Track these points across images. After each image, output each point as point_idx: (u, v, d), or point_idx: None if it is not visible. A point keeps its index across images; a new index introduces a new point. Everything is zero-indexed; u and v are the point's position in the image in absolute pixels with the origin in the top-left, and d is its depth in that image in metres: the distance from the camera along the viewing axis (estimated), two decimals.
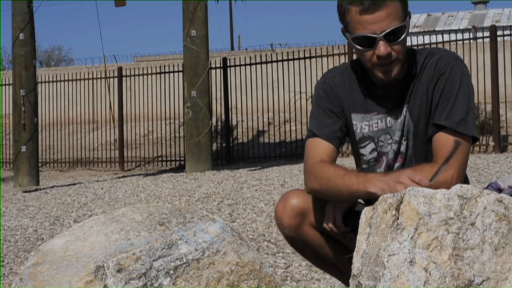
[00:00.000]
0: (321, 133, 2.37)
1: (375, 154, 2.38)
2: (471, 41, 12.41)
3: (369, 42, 2.21)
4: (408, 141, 2.32)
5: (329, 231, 2.26)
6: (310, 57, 12.60)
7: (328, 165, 2.28)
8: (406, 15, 2.23)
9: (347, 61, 9.60)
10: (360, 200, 2.38)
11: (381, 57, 2.21)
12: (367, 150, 2.39)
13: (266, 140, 14.24)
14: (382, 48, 2.19)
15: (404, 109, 2.31)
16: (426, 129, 2.29)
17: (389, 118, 2.34)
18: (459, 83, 2.24)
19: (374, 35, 2.19)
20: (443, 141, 2.20)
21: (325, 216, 2.25)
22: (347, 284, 2.56)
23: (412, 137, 2.31)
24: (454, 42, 12.11)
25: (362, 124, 2.38)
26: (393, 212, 1.78)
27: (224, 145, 13.19)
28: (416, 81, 2.30)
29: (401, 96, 2.32)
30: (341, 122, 2.40)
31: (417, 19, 28.92)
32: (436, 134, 2.23)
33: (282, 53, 13.32)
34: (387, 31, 2.18)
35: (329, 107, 2.40)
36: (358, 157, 2.44)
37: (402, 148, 2.34)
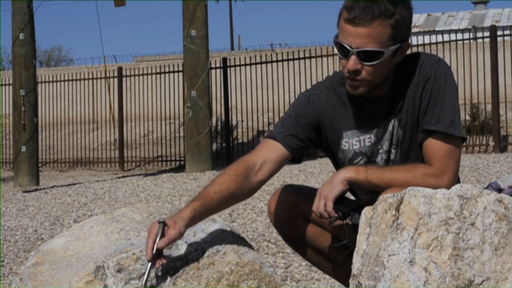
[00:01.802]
0: (278, 135, 2.35)
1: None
2: (471, 41, 12.41)
3: (344, 52, 2.21)
4: (397, 148, 2.33)
5: (317, 216, 2.25)
6: (310, 57, 12.61)
7: (238, 162, 2.29)
8: (396, 41, 2.18)
9: None
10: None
11: (348, 71, 2.21)
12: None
13: None
14: (351, 63, 2.18)
15: (393, 120, 2.31)
16: (411, 135, 2.29)
17: (379, 131, 2.34)
18: (444, 85, 2.23)
19: (348, 48, 2.18)
20: (436, 146, 2.20)
21: (315, 201, 2.22)
22: (342, 280, 2.57)
23: (400, 144, 2.32)
24: (454, 42, 12.12)
25: (353, 140, 2.37)
26: (393, 212, 1.78)
27: (224, 145, 13.20)
28: (402, 91, 2.30)
29: (390, 107, 2.32)
30: (307, 133, 2.37)
31: (417, 19, 28.91)
32: (427, 139, 2.22)
33: (282, 53, 13.33)
34: (361, 50, 2.17)
35: (303, 123, 2.37)
36: None
37: (392, 156, 2.34)
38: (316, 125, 2.40)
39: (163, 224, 2.00)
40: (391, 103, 2.31)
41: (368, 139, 2.35)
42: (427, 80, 2.24)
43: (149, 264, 1.99)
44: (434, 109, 2.22)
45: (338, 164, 2.45)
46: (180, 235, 2.03)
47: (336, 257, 2.44)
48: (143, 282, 1.99)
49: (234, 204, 2.29)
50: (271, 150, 2.34)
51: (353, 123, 2.36)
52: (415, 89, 2.27)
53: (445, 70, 2.26)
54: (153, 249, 1.98)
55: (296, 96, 2.49)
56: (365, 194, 2.38)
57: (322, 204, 2.19)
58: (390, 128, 2.32)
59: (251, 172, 2.27)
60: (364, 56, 2.17)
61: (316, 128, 2.40)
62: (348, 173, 2.20)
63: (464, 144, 11.17)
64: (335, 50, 2.29)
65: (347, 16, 2.17)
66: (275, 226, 2.51)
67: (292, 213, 2.44)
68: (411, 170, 2.18)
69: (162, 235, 1.99)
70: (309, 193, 2.41)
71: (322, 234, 2.48)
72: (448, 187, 2.09)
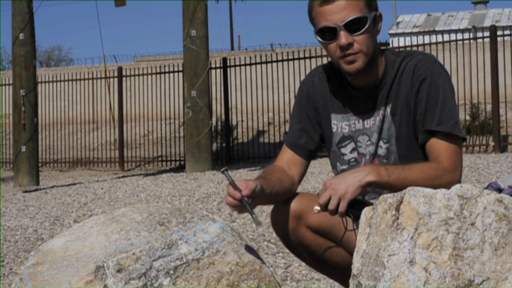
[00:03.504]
0: (287, 139, 2.50)
1: (355, 153, 2.39)
2: (471, 41, 12.42)
3: (331, 34, 2.24)
4: (390, 145, 2.32)
5: (322, 209, 2.21)
6: (310, 57, 12.60)
7: (269, 167, 2.46)
8: (371, 10, 2.25)
9: None
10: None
11: (343, 47, 2.23)
12: (347, 150, 2.40)
13: (266, 140, 14.24)
14: (343, 38, 2.22)
15: (382, 112, 2.33)
16: (408, 135, 2.30)
17: (366, 120, 2.35)
18: (442, 87, 2.26)
19: (335, 26, 2.22)
20: (443, 145, 2.22)
21: (323, 193, 2.17)
22: (344, 284, 2.56)
23: (396, 142, 2.31)
24: (454, 42, 12.12)
25: (342, 124, 2.40)
26: (393, 212, 1.78)
27: (224, 145, 13.20)
28: (394, 85, 2.31)
29: (378, 98, 2.34)
30: (312, 127, 2.46)
31: (417, 19, 28.89)
32: (431, 139, 2.24)
33: (282, 53, 13.33)
34: (347, 20, 2.21)
35: (305, 110, 2.47)
36: (336, 158, 2.44)
37: (381, 151, 2.34)
38: (315, 109, 2.46)
39: (225, 171, 2.15)
40: (381, 94, 2.33)
41: (353, 124, 2.38)
42: (423, 81, 2.26)
43: (244, 200, 2.13)
44: (434, 110, 2.23)
45: (330, 154, 2.46)
46: (257, 187, 2.16)
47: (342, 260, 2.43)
48: (253, 215, 2.13)
49: (281, 197, 2.39)
50: (288, 160, 2.47)
51: (341, 107, 2.40)
52: (409, 89, 2.28)
53: (441, 71, 2.28)
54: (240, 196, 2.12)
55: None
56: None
57: (336, 203, 2.15)
58: (379, 120, 2.33)
59: (284, 172, 2.43)
60: (352, 26, 2.22)
61: (317, 112, 2.47)
62: (371, 177, 2.15)
63: (464, 144, 11.17)
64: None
65: (320, 1, 2.23)
66: (278, 235, 2.49)
67: (296, 223, 2.41)
68: (427, 171, 2.18)
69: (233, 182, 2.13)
70: (313, 202, 2.39)
71: (326, 245, 2.47)
72: (458, 181, 2.13)
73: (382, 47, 2.42)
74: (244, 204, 2.12)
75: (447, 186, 2.05)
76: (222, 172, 2.15)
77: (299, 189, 2.54)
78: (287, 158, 2.46)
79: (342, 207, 2.14)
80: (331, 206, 2.15)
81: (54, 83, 15.28)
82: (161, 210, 2.29)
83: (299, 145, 2.46)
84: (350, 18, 2.21)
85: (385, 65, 2.34)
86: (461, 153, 2.25)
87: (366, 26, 2.22)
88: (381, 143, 2.34)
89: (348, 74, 2.33)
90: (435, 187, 2.08)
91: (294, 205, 2.41)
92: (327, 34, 2.25)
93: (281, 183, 2.33)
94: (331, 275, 2.62)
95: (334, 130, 2.42)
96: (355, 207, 2.16)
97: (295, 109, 2.51)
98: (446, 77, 2.28)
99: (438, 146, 2.23)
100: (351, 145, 2.39)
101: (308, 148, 2.46)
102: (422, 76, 2.26)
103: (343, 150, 2.41)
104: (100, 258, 2.02)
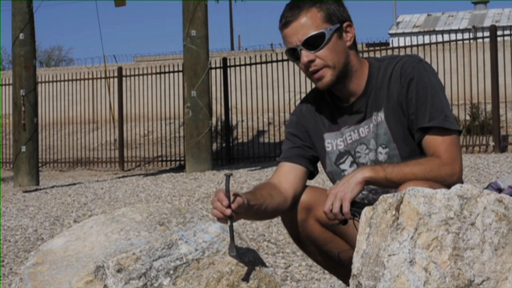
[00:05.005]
0: (283, 157, 2.47)
1: (355, 166, 2.40)
2: (471, 41, 12.42)
3: (295, 55, 2.32)
4: (390, 150, 2.33)
5: (330, 217, 2.21)
6: None
7: (260, 183, 2.45)
8: (333, 23, 2.29)
9: None
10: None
11: (304, 66, 2.30)
12: (346, 165, 2.41)
13: (266, 140, 14.24)
14: (304, 57, 2.29)
15: (374, 118, 2.34)
16: (407, 137, 2.31)
17: (361, 129, 2.37)
18: (429, 84, 2.28)
19: (295, 47, 2.30)
20: (438, 139, 2.24)
21: (327, 201, 2.18)
22: (347, 282, 2.56)
23: (396, 146, 2.33)
24: (454, 42, 12.12)
25: (337, 141, 2.41)
26: (393, 212, 1.78)
27: (224, 145, 13.20)
28: (383, 89, 2.33)
29: (368, 105, 2.35)
30: (306, 146, 2.46)
31: (417, 19, 28.88)
32: (425, 137, 2.26)
33: (282, 53, 13.29)
34: (304, 39, 2.27)
35: (296, 134, 2.49)
36: (335, 177, 2.44)
37: (381, 157, 2.34)
38: (307, 132, 2.47)
39: (228, 176, 2.09)
40: (370, 101, 2.35)
41: (349, 137, 2.40)
42: (410, 81, 2.28)
43: (229, 221, 2.06)
44: (424, 107, 2.26)
45: (327, 173, 2.47)
46: (244, 203, 2.10)
47: (346, 258, 2.43)
48: (231, 237, 2.07)
49: (270, 213, 2.36)
50: (284, 173, 2.44)
51: (333, 124, 2.42)
52: (399, 91, 2.30)
53: (427, 69, 2.31)
54: (228, 205, 2.04)
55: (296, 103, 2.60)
56: None
57: (338, 205, 2.16)
58: (372, 126, 2.34)
59: (276, 187, 2.38)
60: (310, 44, 2.27)
61: (309, 135, 2.48)
62: (366, 173, 2.17)
63: (464, 144, 11.19)
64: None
65: (281, 25, 2.32)
66: (286, 226, 2.51)
67: (305, 215, 2.43)
68: (424, 163, 2.19)
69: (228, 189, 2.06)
70: (324, 196, 2.40)
71: (333, 239, 2.47)
72: (459, 174, 2.18)
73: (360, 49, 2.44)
74: (230, 224, 2.07)
75: (448, 178, 2.08)
76: (226, 176, 2.10)
77: None
78: (283, 172, 2.43)
79: (345, 207, 2.15)
80: (335, 209, 2.15)
81: (54, 83, 15.28)
82: (161, 210, 2.29)
83: (295, 156, 2.45)
84: (306, 37, 2.27)
85: (368, 72, 2.36)
86: (457, 145, 2.25)
87: (325, 41, 2.27)
88: (380, 149, 2.35)
89: (323, 90, 2.36)
90: (435, 179, 2.11)
91: (305, 197, 2.43)
92: (292, 56, 2.33)
93: (271, 198, 2.31)
94: (335, 272, 2.62)
95: (329, 149, 2.43)
96: (360, 207, 2.16)
97: (286, 137, 2.51)
98: (433, 73, 2.31)
99: (433, 142, 2.24)
100: (349, 159, 2.41)
101: (306, 155, 2.45)
102: (410, 76, 2.28)
103: (342, 167, 2.42)
104: (100, 258, 2.02)
